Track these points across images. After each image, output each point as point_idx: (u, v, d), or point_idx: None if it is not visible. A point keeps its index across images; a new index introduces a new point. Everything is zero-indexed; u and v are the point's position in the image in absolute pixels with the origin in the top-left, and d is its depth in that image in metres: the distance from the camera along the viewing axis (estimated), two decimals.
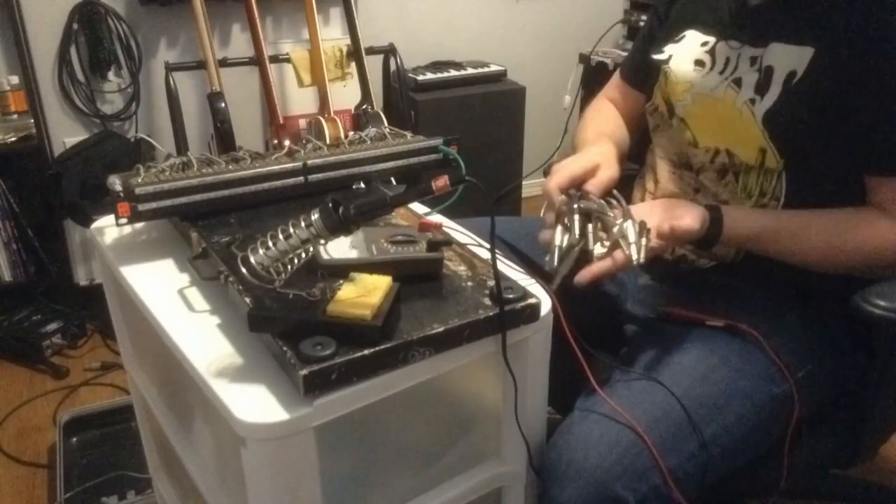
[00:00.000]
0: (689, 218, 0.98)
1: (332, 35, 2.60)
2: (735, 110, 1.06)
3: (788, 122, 1.01)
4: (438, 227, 0.96)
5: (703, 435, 0.93)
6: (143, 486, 1.69)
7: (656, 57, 1.20)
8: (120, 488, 1.71)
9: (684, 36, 1.18)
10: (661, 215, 0.99)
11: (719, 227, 1.01)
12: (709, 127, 1.11)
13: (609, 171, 1.08)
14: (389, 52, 2.53)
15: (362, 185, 1.09)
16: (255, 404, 0.72)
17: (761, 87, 1.04)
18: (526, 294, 0.83)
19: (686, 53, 1.16)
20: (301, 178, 1.05)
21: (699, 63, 1.13)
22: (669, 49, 1.19)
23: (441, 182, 0.81)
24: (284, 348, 0.72)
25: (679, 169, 1.18)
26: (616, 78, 1.38)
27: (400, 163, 1.11)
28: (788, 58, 1.01)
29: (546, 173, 1.58)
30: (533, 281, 0.90)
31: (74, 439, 1.89)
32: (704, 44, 1.14)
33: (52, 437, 1.95)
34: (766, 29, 1.05)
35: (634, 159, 1.31)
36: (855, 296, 0.94)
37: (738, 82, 1.07)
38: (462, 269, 0.90)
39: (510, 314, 0.81)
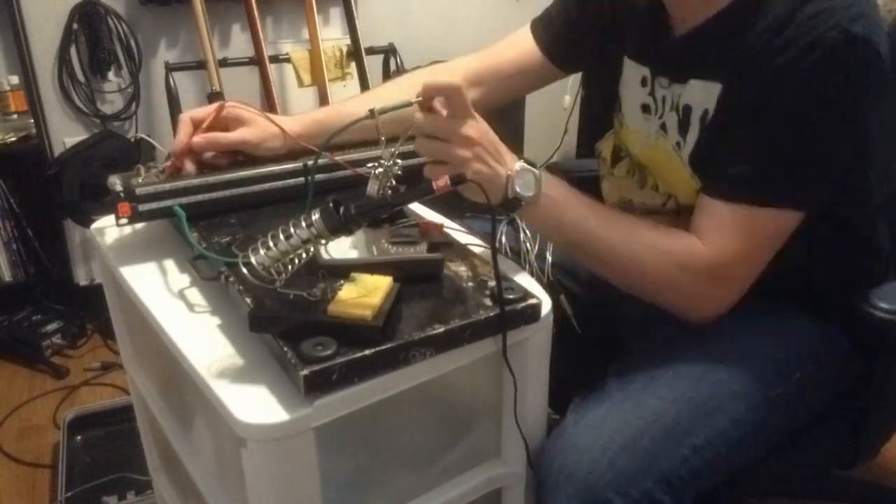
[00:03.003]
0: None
1: (332, 35, 2.60)
2: (667, 156, 1.04)
3: (709, 161, 0.98)
4: (440, 227, 0.96)
5: (697, 439, 0.92)
6: (143, 487, 1.69)
7: (619, 98, 1.16)
8: (121, 489, 1.71)
9: (623, 68, 1.13)
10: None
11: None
12: (659, 173, 1.09)
13: (246, 134, 1.08)
14: (389, 52, 2.53)
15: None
16: (255, 405, 0.72)
17: (683, 129, 1.01)
18: (527, 294, 0.83)
19: (632, 94, 1.11)
20: (302, 179, 1.05)
21: (645, 108, 1.09)
22: (620, 89, 1.15)
23: (442, 182, 0.81)
24: (285, 348, 0.72)
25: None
26: (521, 41, 1.26)
27: (401, 163, 1.11)
28: (701, 95, 0.98)
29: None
30: (534, 281, 0.90)
31: (79, 437, 1.89)
32: (644, 81, 1.09)
33: (53, 436, 1.95)
34: (688, 63, 1.00)
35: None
36: (857, 298, 0.94)
37: (664, 127, 1.04)
38: (463, 269, 0.90)
39: (511, 314, 0.81)
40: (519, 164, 0.92)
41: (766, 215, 0.92)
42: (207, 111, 1.09)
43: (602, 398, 0.95)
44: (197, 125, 1.09)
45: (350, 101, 1.25)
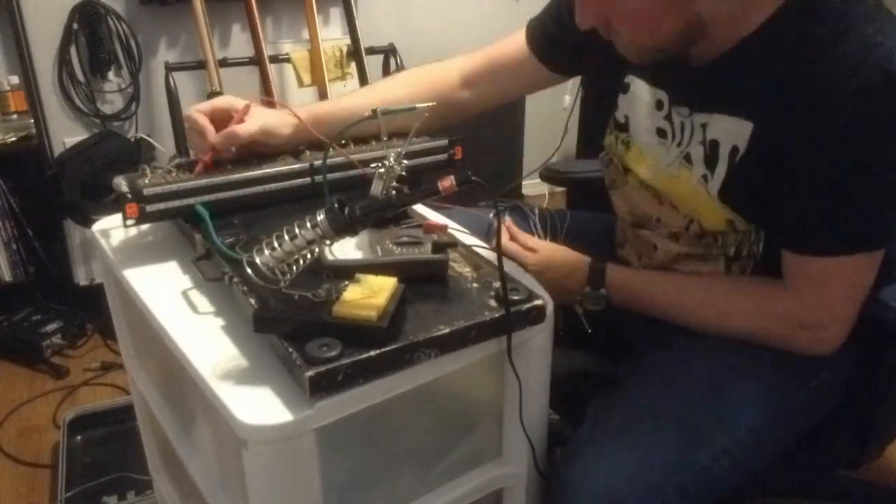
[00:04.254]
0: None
1: (332, 35, 2.60)
2: (691, 188, 1.02)
3: (744, 195, 0.97)
4: (444, 228, 0.96)
5: (715, 447, 0.92)
6: (143, 487, 1.69)
7: (616, 114, 1.14)
8: (121, 488, 1.71)
9: (629, 84, 1.10)
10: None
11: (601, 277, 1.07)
12: (677, 198, 1.06)
13: (253, 128, 1.07)
14: (389, 51, 2.52)
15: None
16: (257, 406, 0.71)
17: (710, 163, 0.98)
18: (532, 295, 0.83)
19: (643, 116, 1.08)
20: (308, 179, 1.05)
21: (661, 133, 1.05)
22: (622, 104, 1.12)
23: (447, 182, 0.80)
24: (290, 350, 0.72)
25: (635, 228, 1.14)
26: (516, 43, 1.23)
27: (405, 163, 1.11)
28: (730, 132, 0.95)
29: (541, 176, 1.58)
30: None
31: (79, 437, 1.89)
32: (659, 105, 1.05)
33: (52, 436, 1.95)
34: (710, 95, 0.97)
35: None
36: (867, 299, 0.94)
37: (688, 158, 1.01)
38: (467, 270, 0.90)
39: (516, 315, 0.81)
40: (586, 291, 1.07)
41: (858, 260, 0.92)
42: (212, 105, 1.08)
43: (620, 405, 0.95)
44: (212, 120, 1.07)
45: (346, 98, 1.24)
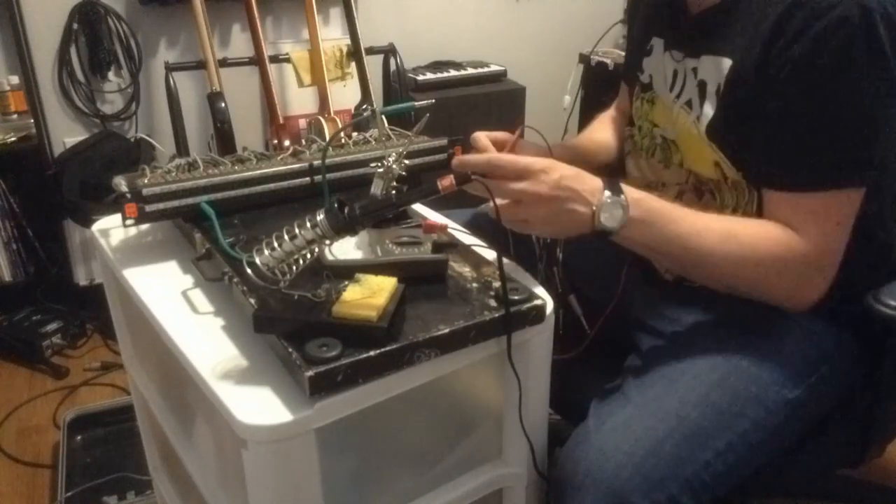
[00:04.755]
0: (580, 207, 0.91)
1: (332, 35, 2.59)
2: (688, 130, 1.07)
3: (726, 133, 1.01)
4: (444, 228, 0.96)
5: (720, 442, 0.92)
6: (143, 487, 1.69)
7: (641, 77, 1.20)
8: (120, 489, 1.71)
9: (652, 46, 1.18)
10: (546, 220, 0.91)
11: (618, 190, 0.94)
12: (681, 146, 1.11)
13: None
14: (389, 52, 2.52)
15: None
16: (256, 406, 0.71)
17: (700, 104, 1.04)
18: (532, 295, 0.83)
19: (660, 73, 1.15)
20: (307, 179, 1.05)
21: (666, 82, 1.13)
22: (647, 66, 1.19)
23: (447, 182, 0.81)
24: (290, 349, 0.72)
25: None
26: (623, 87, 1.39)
27: (405, 163, 1.11)
28: (713, 71, 1.01)
29: None
30: (538, 283, 0.90)
31: (79, 437, 1.89)
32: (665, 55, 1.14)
33: (52, 436, 1.95)
34: (700, 39, 1.05)
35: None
36: (868, 296, 0.94)
37: (689, 104, 1.07)
38: (467, 270, 0.90)
39: (516, 315, 0.81)
40: (605, 197, 0.91)
41: (841, 196, 0.94)
42: (496, 135, 1.11)
43: (623, 402, 0.95)
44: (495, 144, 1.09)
45: (586, 135, 1.39)
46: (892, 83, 0.91)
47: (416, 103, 0.87)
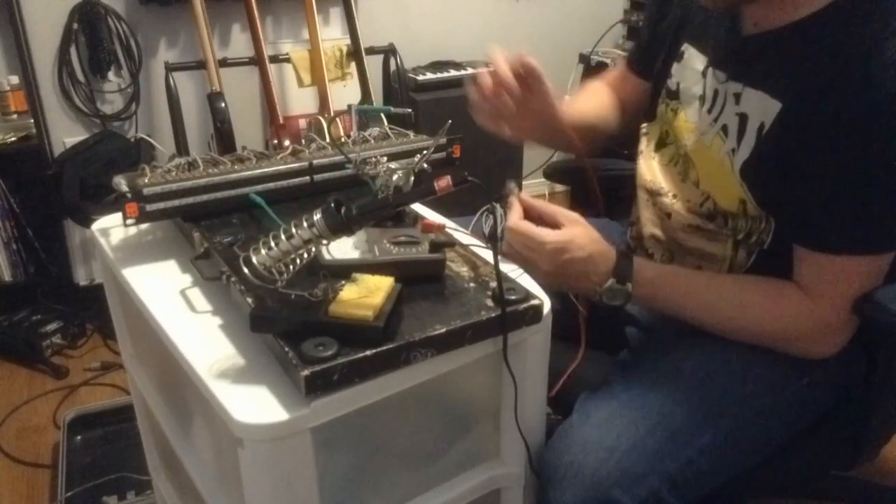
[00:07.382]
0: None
1: (332, 35, 2.59)
2: (718, 159, 1.02)
3: (762, 176, 0.97)
4: (441, 227, 0.96)
5: (703, 440, 0.93)
6: (143, 487, 1.69)
7: (668, 83, 1.15)
8: (121, 489, 1.71)
9: (684, 52, 1.13)
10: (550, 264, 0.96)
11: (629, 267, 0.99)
12: (702, 171, 1.07)
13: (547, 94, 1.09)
14: (389, 52, 2.52)
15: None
16: (253, 405, 0.72)
17: (739, 137, 0.99)
18: (528, 295, 0.83)
19: (691, 82, 1.10)
20: (307, 178, 1.06)
21: (700, 99, 1.08)
22: (676, 72, 1.14)
23: (444, 182, 0.81)
24: (286, 349, 0.72)
25: (652, 196, 1.15)
26: (620, 65, 1.35)
27: (404, 162, 1.11)
28: (759, 107, 0.96)
29: (545, 174, 1.59)
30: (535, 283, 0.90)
31: (78, 437, 1.89)
32: (704, 71, 1.07)
33: (52, 437, 1.95)
34: (747, 66, 0.99)
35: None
36: (863, 300, 0.94)
37: (725, 130, 1.02)
38: (464, 270, 0.90)
39: (512, 315, 0.81)
40: (610, 283, 0.98)
41: (870, 260, 0.93)
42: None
43: (609, 397, 0.95)
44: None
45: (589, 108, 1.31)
46: None
47: (392, 108, 0.88)
